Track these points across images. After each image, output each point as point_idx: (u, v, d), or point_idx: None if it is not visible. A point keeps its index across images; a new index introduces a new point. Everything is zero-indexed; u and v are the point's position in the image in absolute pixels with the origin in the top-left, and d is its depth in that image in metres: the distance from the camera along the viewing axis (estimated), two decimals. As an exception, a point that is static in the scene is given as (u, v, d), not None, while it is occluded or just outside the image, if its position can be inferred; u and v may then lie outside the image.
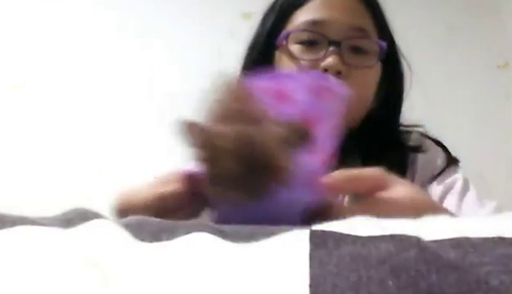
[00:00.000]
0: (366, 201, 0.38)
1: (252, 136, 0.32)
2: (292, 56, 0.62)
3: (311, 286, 0.17)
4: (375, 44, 0.63)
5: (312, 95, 0.34)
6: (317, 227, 0.22)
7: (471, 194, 0.63)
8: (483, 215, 0.59)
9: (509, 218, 0.24)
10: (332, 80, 0.34)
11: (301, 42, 0.62)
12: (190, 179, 0.37)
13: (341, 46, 0.60)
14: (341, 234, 0.20)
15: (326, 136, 0.35)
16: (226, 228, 0.24)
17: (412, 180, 0.65)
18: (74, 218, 0.24)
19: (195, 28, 2.07)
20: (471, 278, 0.16)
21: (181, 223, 0.25)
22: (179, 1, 2.10)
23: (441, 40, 2.09)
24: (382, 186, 0.39)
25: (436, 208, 0.44)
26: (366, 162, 0.63)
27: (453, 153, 0.69)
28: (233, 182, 0.32)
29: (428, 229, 0.21)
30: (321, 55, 0.60)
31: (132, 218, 0.26)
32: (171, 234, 0.23)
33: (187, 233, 0.23)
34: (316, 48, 0.61)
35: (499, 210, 0.60)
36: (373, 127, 0.65)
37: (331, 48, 0.60)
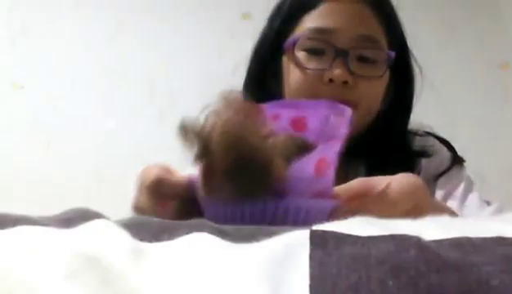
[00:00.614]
0: (364, 199, 0.37)
1: (246, 131, 0.32)
2: (298, 64, 0.61)
3: (311, 286, 0.17)
4: (383, 53, 0.61)
5: (324, 124, 0.35)
6: (317, 227, 0.22)
7: (473, 197, 0.62)
8: (483, 217, 0.59)
9: (509, 218, 0.24)
10: (344, 108, 0.35)
11: (308, 50, 0.61)
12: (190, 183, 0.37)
13: (348, 55, 0.59)
14: (341, 234, 0.20)
15: (332, 156, 0.35)
16: (226, 228, 0.24)
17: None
18: (75, 218, 0.24)
19: (195, 28, 2.06)
20: (472, 278, 0.16)
21: (182, 223, 0.25)
22: (179, 1, 2.10)
23: (441, 40, 2.08)
24: (372, 186, 0.38)
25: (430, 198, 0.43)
26: (372, 165, 0.62)
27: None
28: (225, 177, 0.32)
29: (428, 229, 0.21)
30: (327, 64, 0.59)
31: (132, 218, 0.26)
32: (171, 234, 0.23)
33: (187, 233, 0.23)
34: (323, 57, 0.60)
35: (499, 211, 0.60)
36: (380, 131, 0.64)
37: (338, 57, 0.59)
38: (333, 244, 0.19)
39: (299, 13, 0.64)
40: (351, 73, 0.59)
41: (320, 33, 0.61)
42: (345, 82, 0.58)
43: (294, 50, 0.62)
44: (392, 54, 0.62)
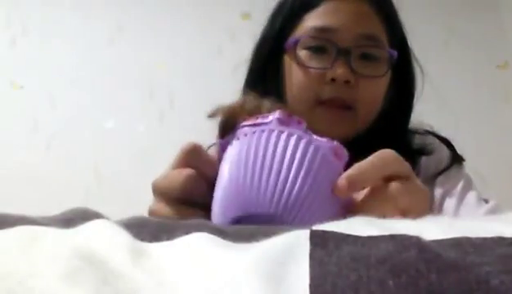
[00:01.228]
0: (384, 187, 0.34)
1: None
2: (300, 63, 0.61)
3: (311, 286, 0.17)
4: (385, 52, 0.61)
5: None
6: (317, 227, 0.22)
7: (471, 196, 0.62)
8: (480, 215, 0.59)
9: (509, 218, 0.24)
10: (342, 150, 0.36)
11: (309, 49, 0.61)
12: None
13: (350, 54, 0.59)
14: (341, 234, 0.20)
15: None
16: (226, 228, 0.24)
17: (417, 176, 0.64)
18: (74, 218, 0.24)
19: (195, 28, 2.07)
20: (472, 277, 0.16)
21: (182, 223, 0.25)
22: (179, 2, 2.10)
23: (441, 40, 2.09)
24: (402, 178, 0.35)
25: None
26: None
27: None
28: None
29: (429, 228, 0.21)
30: (329, 63, 0.59)
31: (132, 218, 0.26)
32: (171, 234, 0.23)
33: (187, 233, 0.23)
34: (325, 56, 0.60)
35: (496, 209, 0.60)
36: (381, 129, 0.64)
37: (340, 57, 0.59)
38: (333, 244, 0.19)
39: (301, 12, 0.64)
40: (353, 72, 0.59)
41: (321, 32, 0.61)
42: (347, 82, 0.58)
43: (295, 49, 0.62)
44: (395, 53, 0.62)
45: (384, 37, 0.62)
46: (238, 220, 0.32)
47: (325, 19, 0.61)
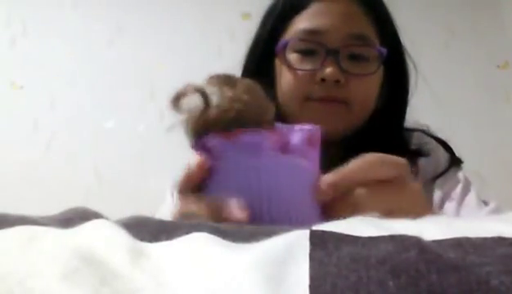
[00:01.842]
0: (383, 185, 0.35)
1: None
2: (290, 66, 0.62)
3: (310, 286, 0.17)
4: (374, 50, 0.62)
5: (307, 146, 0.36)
6: (317, 227, 0.22)
7: (470, 197, 0.62)
8: (481, 217, 0.59)
9: (509, 218, 0.24)
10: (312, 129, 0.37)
11: (299, 51, 0.61)
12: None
13: (339, 54, 0.59)
14: (341, 235, 0.20)
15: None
16: (226, 228, 0.24)
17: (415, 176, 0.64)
18: (74, 218, 0.24)
19: (195, 28, 2.07)
20: (472, 278, 0.16)
21: (182, 223, 0.25)
22: (179, 1, 2.10)
23: (441, 40, 2.09)
24: (400, 180, 0.36)
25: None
26: None
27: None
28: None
29: (429, 229, 0.21)
30: (318, 64, 0.59)
31: (131, 218, 0.26)
32: (170, 234, 0.23)
33: (187, 233, 0.23)
34: (315, 57, 0.60)
35: (497, 211, 0.60)
36: (376, 129, 0.64)
37: (329, 57, 0.59)
38: (333, 244, 0.19)
39: (290, 14, 0.64)
40: (342, 71, 0.59)
41: (310, 34, 0.61)
42: (337, 81, 0.59)
43: (285, 52, 0.62)
44: (384, 50, 0.62)
45: (373, 36, 0.62)
46: None
47: (313, 20, 0.62)
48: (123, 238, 0.21)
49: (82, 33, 2.04)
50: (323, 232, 0.21)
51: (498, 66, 2.08)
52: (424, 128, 0.71)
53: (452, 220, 0.24)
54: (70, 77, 1.99)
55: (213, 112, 0.35)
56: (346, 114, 0.61)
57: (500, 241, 0.19)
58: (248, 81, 0.39)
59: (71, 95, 1.97)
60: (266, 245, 0.21)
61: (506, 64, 2.08)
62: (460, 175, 0.66)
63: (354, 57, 0.61)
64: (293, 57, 0.62)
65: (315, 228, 0.21)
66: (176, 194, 0.36)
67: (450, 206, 0.62)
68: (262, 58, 0.67)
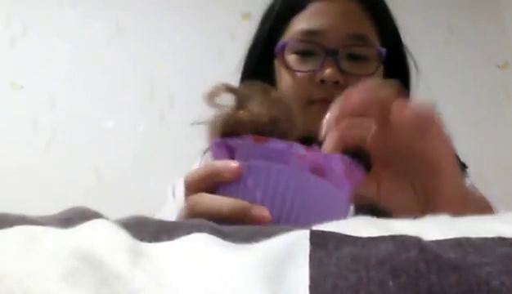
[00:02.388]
0: None
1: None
2: (289, 68, 0.61)
3: (311, 286, 0.17)
4: (374, 50, 0.61)
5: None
6: (317, 227, 0.22)
7: None
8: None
9: (509, 218, 0.24)
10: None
11: (298, 52, 0.61)
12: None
13: (338, 55, 0.59)
14: (341, 235, 0.20)
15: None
16: (226, 228, 0.24)
17: None
18: (74, 218, 0.24)
19: (195, 28, 2.06)
20: (472, 278, 0.16)
21: (182, 223, 0.25)
22: (179, 1, 2.10)
23: (441, 40, 2.08)
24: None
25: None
26: (370, 164, 0.62)
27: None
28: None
29: (429, 229, 0.21)
30: (318, 65, 0.59)
31: (131, 218, 0.26)
32: (171, 234, 0.23)
33: (188, 233, 0.23)
34: (314, 58, 0.60)
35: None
36: None
37: (328, 58, 0.59)
38: (333, 244, 0.19)
39: (289, 14, 0.63)
40: (342, 72, 0.59)
41: (308, 34, 0.61)
42: (336, 82, 0.58)
43: (284, 53, 0.62)
44: (383, 50, 0.61)
45: (373, 36, 0.62)
46: None
47: (311, 21, 0.61)
48: (123, 238, 0.21)
49: (82, 33, 2.04)
50: (323, 232, 0.21)
51: (498, 66, 2.08)
52: None
53: (452, 220, 0.24)
54: (70, 77, 1.99)
55: (245, 114, 0.35)
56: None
57: (500, 241, 0.19)
58: (282, 93, 0.40)
59: (71, 95, 1.97)
60: (266, 245, 0.21)
61: (506, 64, 2.08)
62: (467, 182, 0.65)
63: (353, 57, 0.60)
64: (292, 58, 0.61)
65: (315, 228, 0.21)
66: (184, 192, 0.36)
67: None
68: (261, 59, 0.66)
